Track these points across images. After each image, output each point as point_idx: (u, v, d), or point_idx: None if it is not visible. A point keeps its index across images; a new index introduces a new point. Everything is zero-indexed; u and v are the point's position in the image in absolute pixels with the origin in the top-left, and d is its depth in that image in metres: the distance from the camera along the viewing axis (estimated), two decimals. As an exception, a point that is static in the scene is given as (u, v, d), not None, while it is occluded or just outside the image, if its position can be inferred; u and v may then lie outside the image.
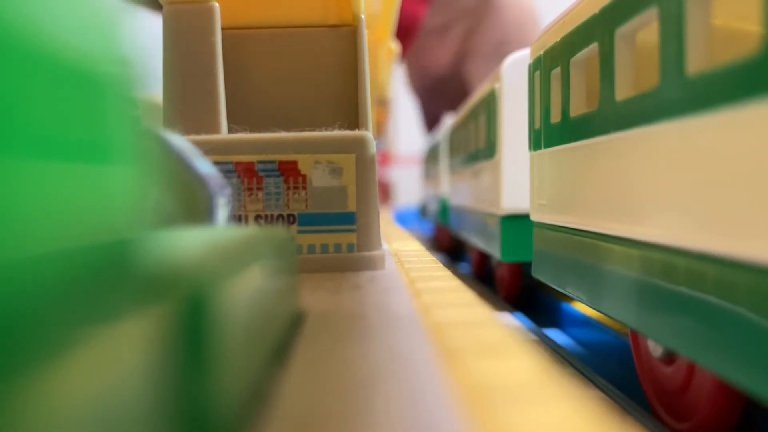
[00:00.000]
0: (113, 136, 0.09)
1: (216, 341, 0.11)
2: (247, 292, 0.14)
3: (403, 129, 2.31)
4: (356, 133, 0.35)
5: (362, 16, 0.38)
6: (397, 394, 0.13)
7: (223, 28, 0.37)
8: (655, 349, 0.34)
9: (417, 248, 0.46)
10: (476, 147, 0.76)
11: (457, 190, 0.97)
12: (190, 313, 0.10)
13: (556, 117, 0.43)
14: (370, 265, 0.34)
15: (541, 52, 0.46)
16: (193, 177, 0.22)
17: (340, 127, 0.36)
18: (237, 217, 0.34)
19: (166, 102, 0.36)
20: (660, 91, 0.26)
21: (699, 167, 0.23)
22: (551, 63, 0.44)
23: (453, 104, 1.40)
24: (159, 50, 0.37)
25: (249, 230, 0.19)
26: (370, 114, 0.38)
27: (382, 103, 1.21)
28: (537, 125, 0.48)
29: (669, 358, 0.33)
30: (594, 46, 0.35)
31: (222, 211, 0.23)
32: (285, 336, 0.18)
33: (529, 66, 0.51)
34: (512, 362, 0.15)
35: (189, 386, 0.10)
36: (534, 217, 0.50)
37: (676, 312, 0.26)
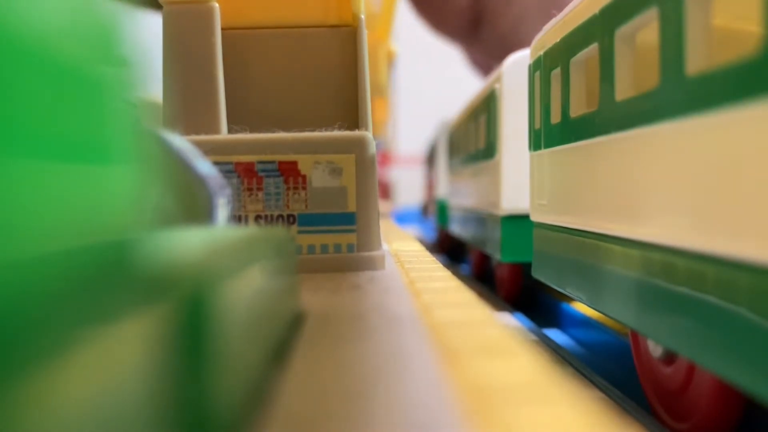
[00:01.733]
0: (113, 136, 0.09)
1: (216, 341, 0.11)
2: (247, 292, 0.14)
3: (404, 129, 2.31)
4: (356, 133, 0.35)
5: (362, 17, 0.38)
6: (397, 394, 0.13)
7: (223, 28, 0.37)
8: (655, 349, 0.34)
9: (417, 248, 0.46)
10: (476, 147, 0.76)
11: (457, 190, 0.97)
12: (190, 313, 0.10)
13: (556, 117, 0.43)
14: (370, 265, 0.34)
15: (541, 53, 0.46)
16: (193, 177, 0.22)
17: (340, 127, 0.36)
18: (237, 217, 0.34)
19: (166, 102, 0.36)
20: (660, 91, 0.26)
21: (699, 167, 0.23)
22: (551, 63, 0.44)
23: (494, 49, 1.11)
24: (159, 50, 0.37)
25: (249, 230, 0.19)
26: (370, 114, 0.38)
27: (382, 103, 1.20)
28: (537, 125, 0.48)
29: (669, 358, 0.33)
30: (594, 47, 0.35)
31: (222, 211, 0.23)
32: (285, 336, 0.18)
33: (529, 66, 0.50)
34: (512, 362, 0.15)
35: (189, 386, 0.10)
36: (534, 218, 0.50)
37: (676, 312, 0.26)
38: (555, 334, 0.58)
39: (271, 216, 0.35)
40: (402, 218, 1.64)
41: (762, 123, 0.19)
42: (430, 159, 1.47)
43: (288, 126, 0.37)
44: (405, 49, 1.35)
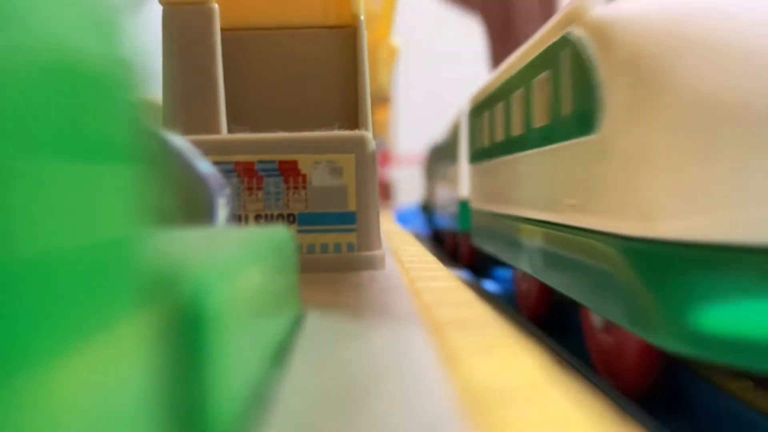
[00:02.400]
0: (113, 136, 0.09)
1: (216, 341, 0.11)
2: (247, 292, 0.14)
3: (404, 129, 2.31)
4: (356, 133, 0.35)
5: (361, 17, 0.38)
6: (397, 393, 0.13)
7: (222, 29, 0.37)
8: (599, 321, 0.43)
9: (417, 248, 0.46)
10: (445, 159, 1.20)
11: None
12: (190, 313, 0.10)
13: (481, 144, 0.77)
14: (370, 264, 0.34)
15: (473, 105, 0.85)
16: (193, 177, 0.22)
17: (340, 127, 0.36)
18: (237, 217, 0.34)
19: (166, 102, 0.36)
20: (524, 134, 0.54)
21: (539, 175, 0.49)
22: (479, 111, 0.79)
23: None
24: (159, 50, 0.37)
25: (249, 230, 0.19)
26: (370, 114, 0.38)
27: (384, 103, 1.20)
28: (473, 147, 0.84)
29: (607, 328, 0.41)
30: (501, 104, 0.64)
31: (222, 211, 0.23)
32: (285, 335, 0.19)
33: (469, 112, 0.90)
34: (512, 362, 0.15)
35: (189, 386, 0.10)
36: (472, 205, 0.85)
37: (527, 253, 0.53)
38: (489, 284, 0.92)
39: (271, 215, 0.35)
40: (401, 219, 1.65)
41: (556, 156, 0.43)
42: (434, 158, 1.47)
43: (288, 126, 0.37)
44: (406, 50, 1.35)
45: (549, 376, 0.14)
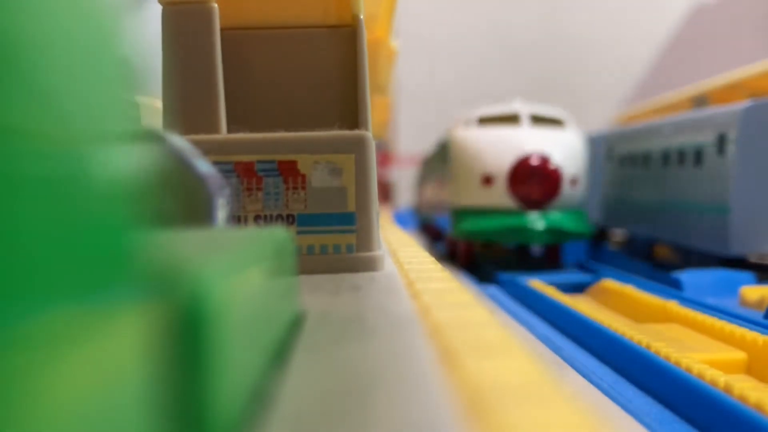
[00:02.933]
0: (114, 137, 0.09)
1: (216, 341, 0.11)
2: (247, 292, 0.14)
3: (404, 129, 2.31)
4: (355, 133, 0.35)
5: (361, 17, 0.38)
6: (397, 394, 0.13)
7: (222, 29, 0.37)
8: (454, 236, 1.31)
9: (416, 249, 0.46)
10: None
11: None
12: (190, 313, 0.10)
13: (425, 178, 1.91)
14: (370, 265, 0.34)
15: (423, 161, 1.97)
16: (193, 177, 0.22)
17: (340, 128, 0.36)
18: (236, 218, 0.34)
19: (166, 102, 0.36)
20: (435, 171, 1.68)
21: (437, 185, 1.58)
22: (428, 159, 1.84)
23: None
24: (159, 50, 0.37)
25: (248, 230, 0.19)
26: (370, 114, 0.38)
27: (384, 103, 1.21)
28: (422, 175, 1.98)
29: (456, 239, 1.34)
30: (434, 158, 1.70)
31: (221, 211, 0.23)
32: (285, 336, 0.19)
33: (424, 161, 1.98)
34: (511, 362, 0.15)
35: (189, 386, 0.10)
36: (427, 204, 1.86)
37: (448, 217, 1.40)
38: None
39: (271, 216, 0.35)
40: (401, 219, 1.67)
41: (442, 176, 1.47)
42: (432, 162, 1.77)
43: (288, 126, 0.37)
44: (407, 50, 1.35)
45: (548, 376, 0.14)
